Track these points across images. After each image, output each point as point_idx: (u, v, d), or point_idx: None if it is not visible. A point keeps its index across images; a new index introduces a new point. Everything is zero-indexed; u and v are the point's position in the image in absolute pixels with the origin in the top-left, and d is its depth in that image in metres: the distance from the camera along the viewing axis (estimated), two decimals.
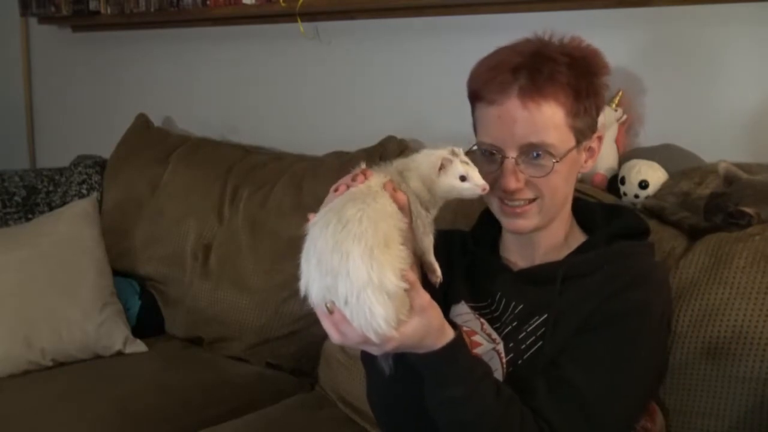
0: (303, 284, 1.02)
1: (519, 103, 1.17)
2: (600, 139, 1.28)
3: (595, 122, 1.25)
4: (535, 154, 1.19)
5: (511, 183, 1.19)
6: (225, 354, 2.13)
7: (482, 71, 1.22)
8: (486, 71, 1.21)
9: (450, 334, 1.08)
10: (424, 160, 1.09)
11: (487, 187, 1.10)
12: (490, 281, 1.30)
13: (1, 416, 1.79)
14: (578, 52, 1.22)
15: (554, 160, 1.18)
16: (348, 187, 1.04)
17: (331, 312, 1.00)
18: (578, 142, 1.22)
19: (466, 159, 1.10)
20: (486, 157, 1.23)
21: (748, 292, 1.30)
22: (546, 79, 1.17)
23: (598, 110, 1.25)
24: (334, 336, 1.03)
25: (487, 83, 1.20)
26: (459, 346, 1.09)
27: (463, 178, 1.08)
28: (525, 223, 1.24)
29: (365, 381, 1.30)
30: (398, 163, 1.11)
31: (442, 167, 1.08)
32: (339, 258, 0.97)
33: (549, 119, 1.18)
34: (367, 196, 1.02)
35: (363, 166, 1.08)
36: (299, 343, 2.05)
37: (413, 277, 1.01)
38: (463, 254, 1.36)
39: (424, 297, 1.03)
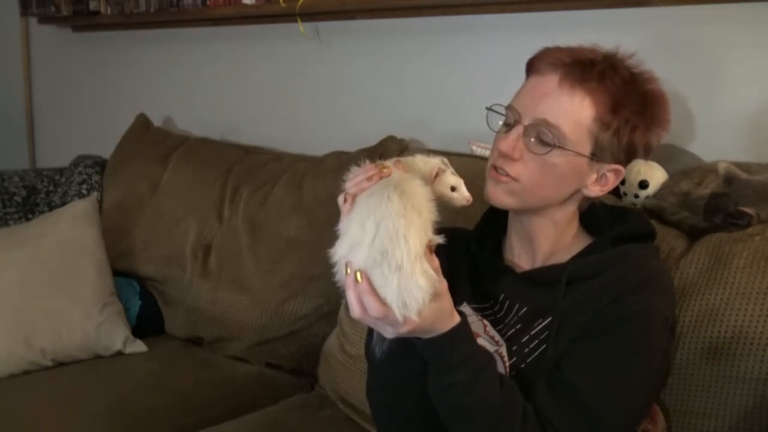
0: (344, 247, 1.03)
1: (556, 81, 1.17)
2: (617, 173, 1.23)
3: (621, 155, 1.21)
4: (544, 133, 1.17)
5: (505, 145, 1.19)
6: (225, 354, 2.12)
7: (551, 49, 1.23)
8: (553, 50, 1.22)
9: (457, 318, 1.09)
10: (423, 166, 1.13)
11: (471, 199, 1.14)
12: (494, 283, 1.29)
13: (1, 416, 1.79)
14: (643, 83, 1.21)
15: (556, 144, 1.17)
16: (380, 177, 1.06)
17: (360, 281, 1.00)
18: (593, 156, 1.20)
19: (454, 171, 1.15)
20: (505, 119, 1.23)
21: (748, 293, 1.30)
22: (595, 75, 1.17)
23: (629, 146, 1.20)
24: (356, 308, 1.02)
25: (545, 56, 1.21)
26: (465, 330, 1.10)
27: (452, 189, 1.13)
28: (498, 195, 1.23)
29: (366, 377, 1.29)
30: (403, 160, 1.14)
31: (437, 175, 1.12)
32: (404, 223, 1.00)
33: (575, 109, 1.17)
34: (412, 179, 1.06)
35: (366, 162, 1.09)
36: (299, 343, 2.05)
37: (437, 262, 1.04)
38: (465, 254, 1.35)
39: (443, 282, 1.04)
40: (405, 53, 2.28)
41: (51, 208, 2.66)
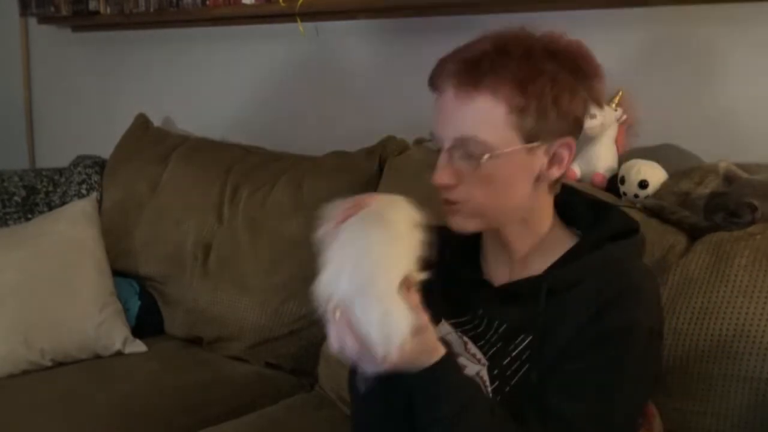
0: (325, 280, 0.98)
1: (453, 94, 1.11)
2: (569, 146, 1.13)
3: (562, 126, 1.12)
4: (467, 149, 1.11)
5: (437, 177, 1.13)
6: (225, 354, 2.12)
7: (443, 60, 1.16)
8: (444, 60, 1.15)
9: (441, 351, 1.04)
10: None
11: None
12: (471, 296, 1.23)
13: (1, 416, 1.79)
14: (544, 48, 1.13)
15: (486, 156, 1.10)
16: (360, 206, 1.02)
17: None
18: (528, 145, 1.11)
19: None
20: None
21: (749, 291, 1.30)
22: (486, 70, 1.09)
23: (564, 115, 1.11)
24: (334, 344, 1.00)
25: (437, 71, 1.15)
26: (449, 363, 1.05)
27: None
28: (458, 222, 1.17)
29: (351, 410, 1.25)
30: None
31: None
32: (386, 252, 0.96)
33: (483, 113, 1.10)
34: (395, 204, 1.02)
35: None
36: (299, 343, 2.04)
37: (416, 298, 1.00)
38: (441, 262, 1.23)
39: (424, 317, 1.00)
40: (405, 53, 2.28)
41: (50, 208, 2.66)
